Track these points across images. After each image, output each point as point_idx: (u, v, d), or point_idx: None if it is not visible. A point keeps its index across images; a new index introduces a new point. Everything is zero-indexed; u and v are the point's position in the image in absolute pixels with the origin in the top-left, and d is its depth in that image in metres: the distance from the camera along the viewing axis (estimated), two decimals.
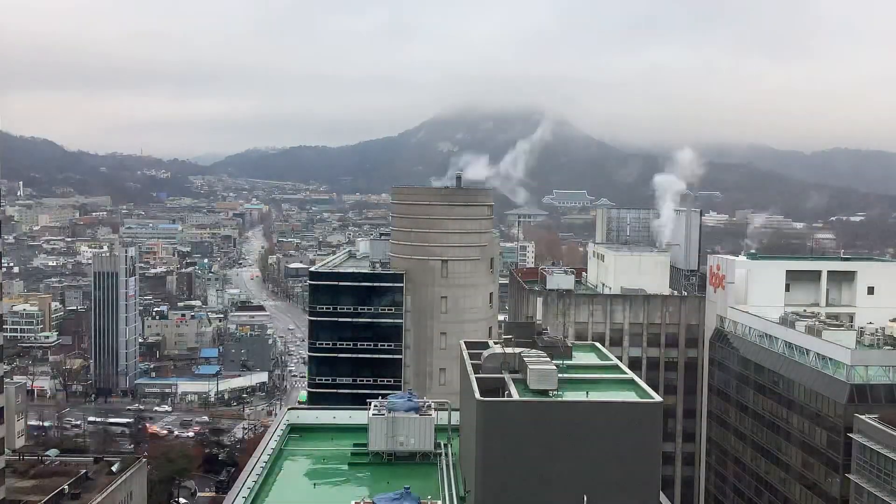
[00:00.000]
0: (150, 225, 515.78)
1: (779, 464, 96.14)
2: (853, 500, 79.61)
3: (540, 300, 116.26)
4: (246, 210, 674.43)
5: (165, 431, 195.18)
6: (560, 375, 47.31)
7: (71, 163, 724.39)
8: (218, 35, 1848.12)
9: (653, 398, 45.12)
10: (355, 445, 59.34)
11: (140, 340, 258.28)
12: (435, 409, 58.77)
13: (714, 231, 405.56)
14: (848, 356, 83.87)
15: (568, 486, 42.57)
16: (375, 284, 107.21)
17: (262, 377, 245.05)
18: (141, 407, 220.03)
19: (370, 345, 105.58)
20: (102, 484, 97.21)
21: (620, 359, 69.42)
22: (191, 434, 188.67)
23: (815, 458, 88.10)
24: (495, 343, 55.45)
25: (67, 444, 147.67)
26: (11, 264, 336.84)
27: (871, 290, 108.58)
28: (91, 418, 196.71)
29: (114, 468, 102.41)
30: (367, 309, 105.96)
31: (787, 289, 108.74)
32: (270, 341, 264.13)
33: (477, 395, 44.79)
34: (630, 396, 46.57)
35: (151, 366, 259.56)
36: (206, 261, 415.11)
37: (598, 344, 61.98)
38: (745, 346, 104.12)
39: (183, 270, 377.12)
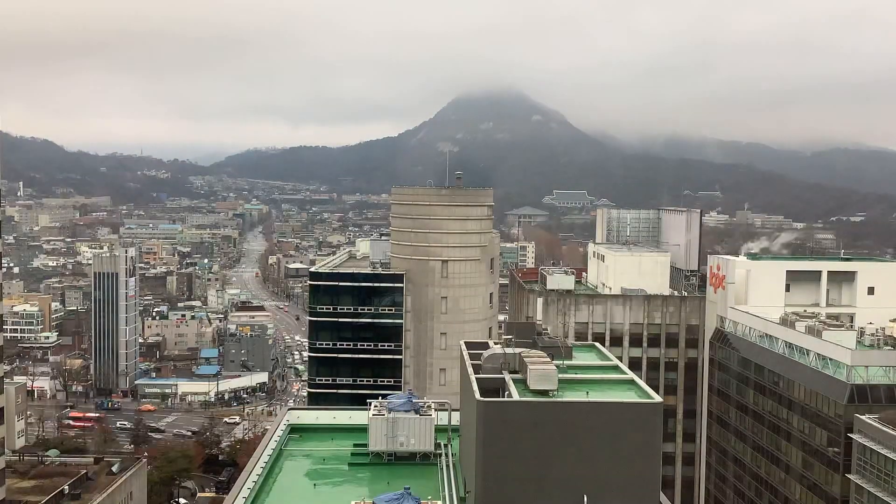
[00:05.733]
0: (150, 225, 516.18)
1: (779, 464, 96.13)
2: (853, 500, 79.62)
3: (540, 300, 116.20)
4: (246, 210, 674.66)
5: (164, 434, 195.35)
6: (560, 376, 47.30)
7: (71, 163, 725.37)
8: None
9: (653, 398, 45.11)
10: (355, 446, 59.33)
11: (140, 341, 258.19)
12: (435, 410, 58.75)
13: (714, 231, 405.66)
14: (848, 356, 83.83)
15: (568, 487, 42.56)
16: (375, 285, 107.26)
17: (262, 377, 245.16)
18: (151, 408, 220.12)
19: (370, 345, 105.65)
20: (102, 484, 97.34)
21: (620, 359, 69.41)
22: (191, 434, 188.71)
23: (816, 459, 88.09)
24: (495, 343, 55.43)
25: (68, 444, 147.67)
26: (11, 264, 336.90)
27: (871, 291, 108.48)
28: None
29: (114, 468, 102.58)
30: (367, 309, 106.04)
31: (788, 289, 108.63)
32: (270, 341, 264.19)
33: (477, 395, 44.78)
34: (630, 397, 46.56)
35: (151, 366, 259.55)
36: (206, 261, 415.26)
37: (598, 344, 61.93)
38: (746, 346, 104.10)
39: (183, 270, 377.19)
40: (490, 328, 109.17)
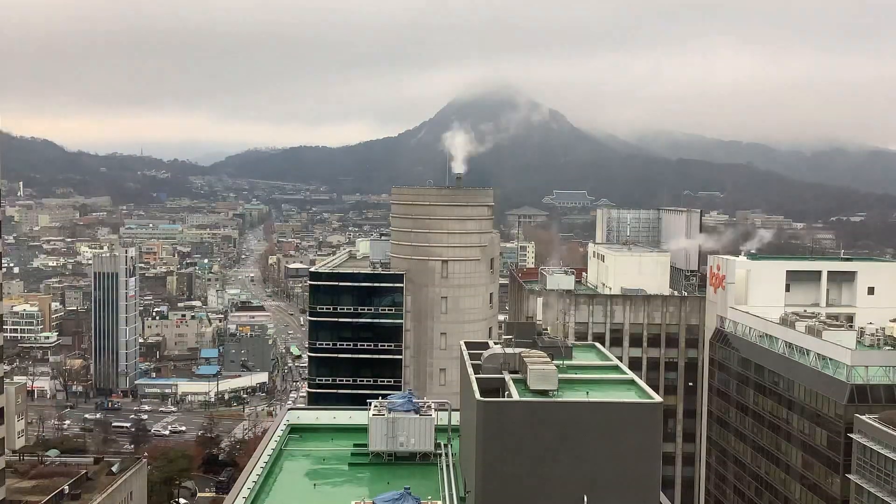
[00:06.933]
0: (150, 225, 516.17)
1: (779, 464, 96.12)
2: (853, 500, 79.61)
3: (540, 300, 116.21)
4: (246, 210, 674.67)
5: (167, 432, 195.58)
6: (560, 376, 47.30)
7: (71, 163, 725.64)
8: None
9: (653, 398, 45.10)
10: (355, 446, 59.35)
11: (140, 341, 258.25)
12: (435, 410, 58.75)
13: (715, 231, 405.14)
14: (848, 356, 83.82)
15: (568, 487, 42.57)
16: (375, 285, 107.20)
17: (262, 377, 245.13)
18: (148, 408, 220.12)
19: (370, 345, 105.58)
20: (102, 484, 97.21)
21: (620, 359, 69.35)
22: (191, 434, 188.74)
23: (816, 459, 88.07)
24: (495, 343, 55.44)
25: (67, 444, 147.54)
26: (11, 264, 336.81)
27: (871, 291, 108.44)
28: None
29: (114, 469, 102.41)
30: (367, 309, 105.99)
31: (788, 289, 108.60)
32: (270, 341, 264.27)
33: (477, 395, 44.79)
34: (630, 397, 46.56)
35: (151, 366, 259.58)
36: (206, 261, 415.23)
37: (598, 344, 61.93)
38: (746, 346, 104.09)
39: (183, 270, 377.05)
40: (490, 328, 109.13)
